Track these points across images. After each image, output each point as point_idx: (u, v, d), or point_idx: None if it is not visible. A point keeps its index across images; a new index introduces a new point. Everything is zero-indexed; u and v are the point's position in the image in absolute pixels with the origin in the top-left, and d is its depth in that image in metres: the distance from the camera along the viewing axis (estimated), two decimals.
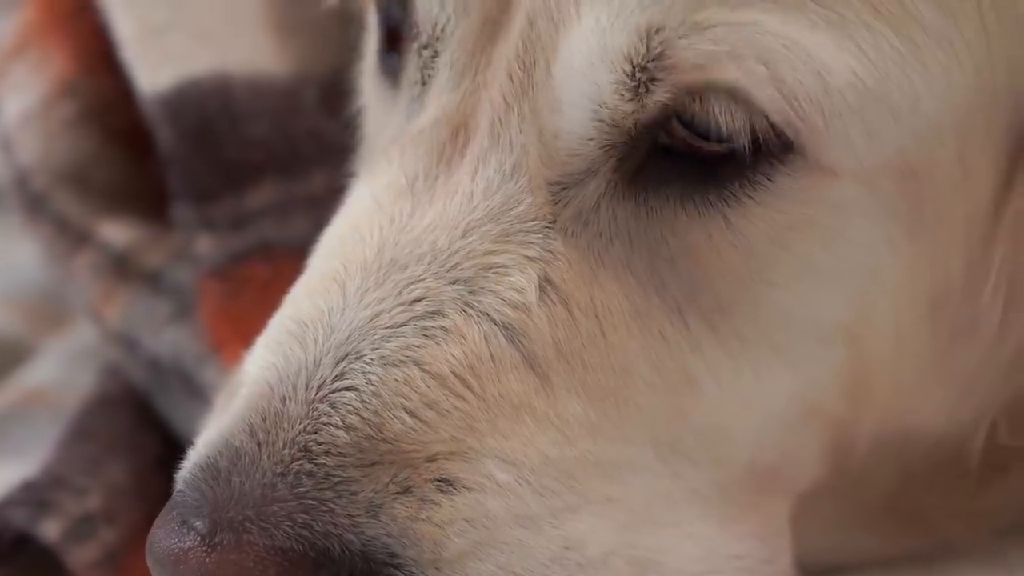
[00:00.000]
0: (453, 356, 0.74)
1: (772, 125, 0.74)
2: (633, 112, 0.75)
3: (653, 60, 0.73)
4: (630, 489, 0.78)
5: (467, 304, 0.75)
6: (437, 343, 0.74)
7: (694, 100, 0.74)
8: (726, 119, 0.74)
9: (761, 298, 0.79)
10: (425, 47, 0.86)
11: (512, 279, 0.76)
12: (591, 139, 0.77)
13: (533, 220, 0.78)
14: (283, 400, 0.74)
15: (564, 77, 0.77)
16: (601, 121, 0.76)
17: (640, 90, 0.74)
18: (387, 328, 0.75)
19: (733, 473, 0.82)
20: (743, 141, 0.75)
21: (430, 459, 0.72)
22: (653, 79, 0.73)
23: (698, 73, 0.72)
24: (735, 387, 0.80)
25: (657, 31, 0.72)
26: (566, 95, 0.77)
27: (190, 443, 0.81)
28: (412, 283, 0.76)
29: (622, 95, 0.74)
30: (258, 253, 1.22)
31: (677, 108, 0.75)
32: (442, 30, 0.84)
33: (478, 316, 0.75)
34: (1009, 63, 0.80)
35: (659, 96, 0.74)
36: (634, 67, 0.73)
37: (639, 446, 0.78)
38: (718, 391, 0.80)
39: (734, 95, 0.73)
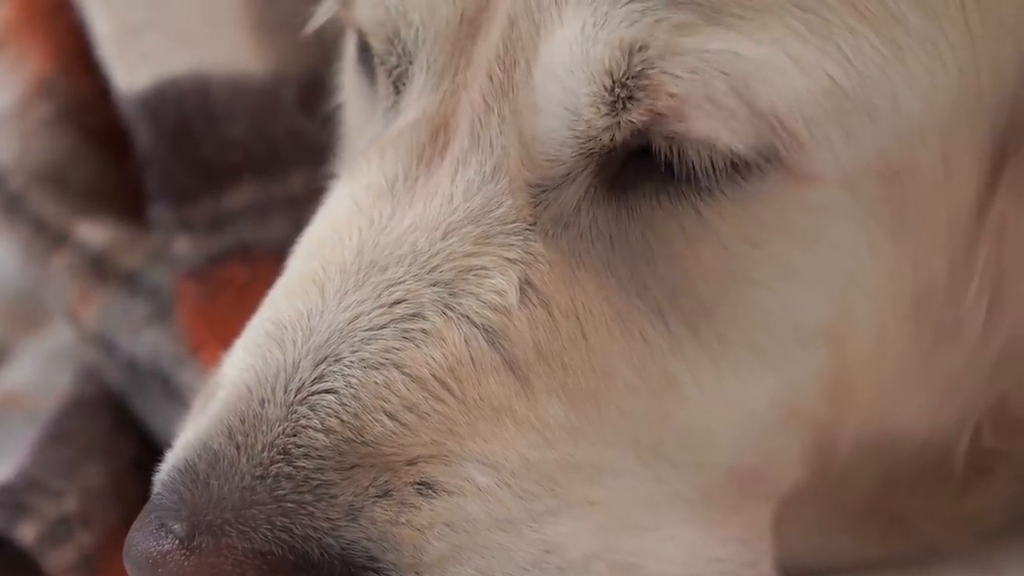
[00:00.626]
0: (433, 359, 0.74)
1: (748, 159, 0.75)
2: (609, 128, 0.75)
3: (633, 78, 0.73)
4: (611, 492, 0.78)
5: (447, 306, 0.76)
6: (417, 346, 0.75)
7: (671, 147, 0.75)
8: (703, 163, 0.75)
9: (741, 300, 0.80)
10: (396, 67, 0.87)
11: (492, 281, 0.76)
12: (569, 146, 0.77)
13: (513, 222, 0.78)
14: (262, 402, 0.74)
15: (543, 82, 0.77)
16: (577, 131, 0.76)
17: (617, 106, 0.74)
18: (367, 330, 0.75)
19: (715, 476, 0.83)
20: (721, 177, 0.76)
21: (410, 462, 0.72)
22: (631, 97, 0.73)
23: (674, 103, 0.73)
24: (716, 390, 0.81)
25: (641, 48, 0.72)
26: (545, 101, 0.77)
27: (168, 445, 0.81)
28: (392, 285, 0.76)
29: (599, 109, 0.74)
30: (236, 254, 1.22)
31: (653, 143, 0.76)
32: (412, 47, 0.85)
33: (458, 319, 0.75)
34: (993, 64, 0.80)
35: (635, 116, 0.74)
36: (614, 82, 0.73)
37: (620, 449, 0.79)
38: (699, 394, 0.80)
39: (711, 145, 0.74)
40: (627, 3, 0.73)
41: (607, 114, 0.74)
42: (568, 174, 0.78)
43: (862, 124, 0.76)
